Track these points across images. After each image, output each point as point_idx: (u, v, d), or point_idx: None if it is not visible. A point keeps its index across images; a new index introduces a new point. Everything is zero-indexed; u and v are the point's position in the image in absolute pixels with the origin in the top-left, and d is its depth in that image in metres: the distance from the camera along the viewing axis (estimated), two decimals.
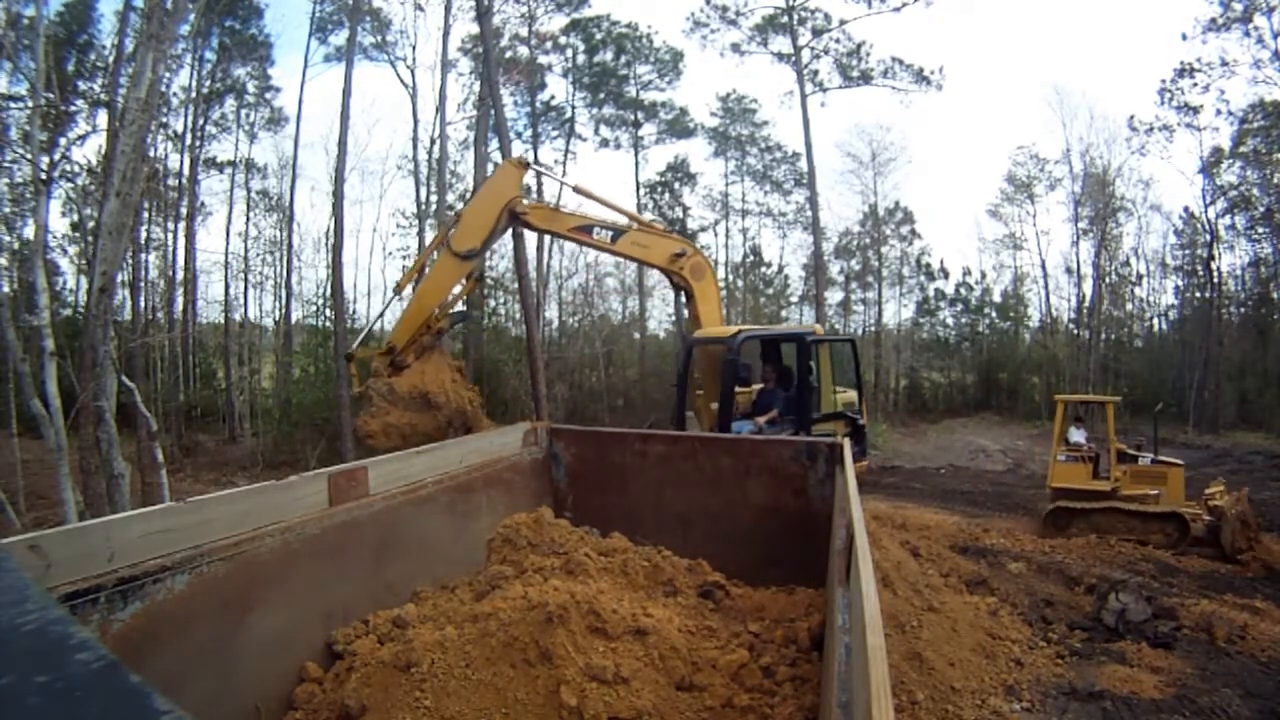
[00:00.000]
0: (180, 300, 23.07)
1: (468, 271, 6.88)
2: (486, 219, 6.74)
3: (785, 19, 24.23)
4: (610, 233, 7.18)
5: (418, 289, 6.86)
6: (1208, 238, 23.07)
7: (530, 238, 21.40)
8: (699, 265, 7.41)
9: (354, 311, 23.40)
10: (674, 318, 27.11)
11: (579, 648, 1.95)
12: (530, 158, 6.80)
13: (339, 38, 22.79)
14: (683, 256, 7.23)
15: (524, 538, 3.13)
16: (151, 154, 15.78)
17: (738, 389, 7.88)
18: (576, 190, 7.49)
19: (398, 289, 7.34)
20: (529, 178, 7.39)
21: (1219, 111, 22.07)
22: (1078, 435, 10.20)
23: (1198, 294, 24.01)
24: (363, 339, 7.95)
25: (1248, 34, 20.76)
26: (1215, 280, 23.11)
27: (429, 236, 20.05)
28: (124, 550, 1.85)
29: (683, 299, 7.65)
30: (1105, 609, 6.19)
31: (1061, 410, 10.40)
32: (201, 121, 23.03)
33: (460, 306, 8.02)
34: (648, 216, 27.54)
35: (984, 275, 27.77)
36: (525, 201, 7.02)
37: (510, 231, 16.93)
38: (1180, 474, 9.25)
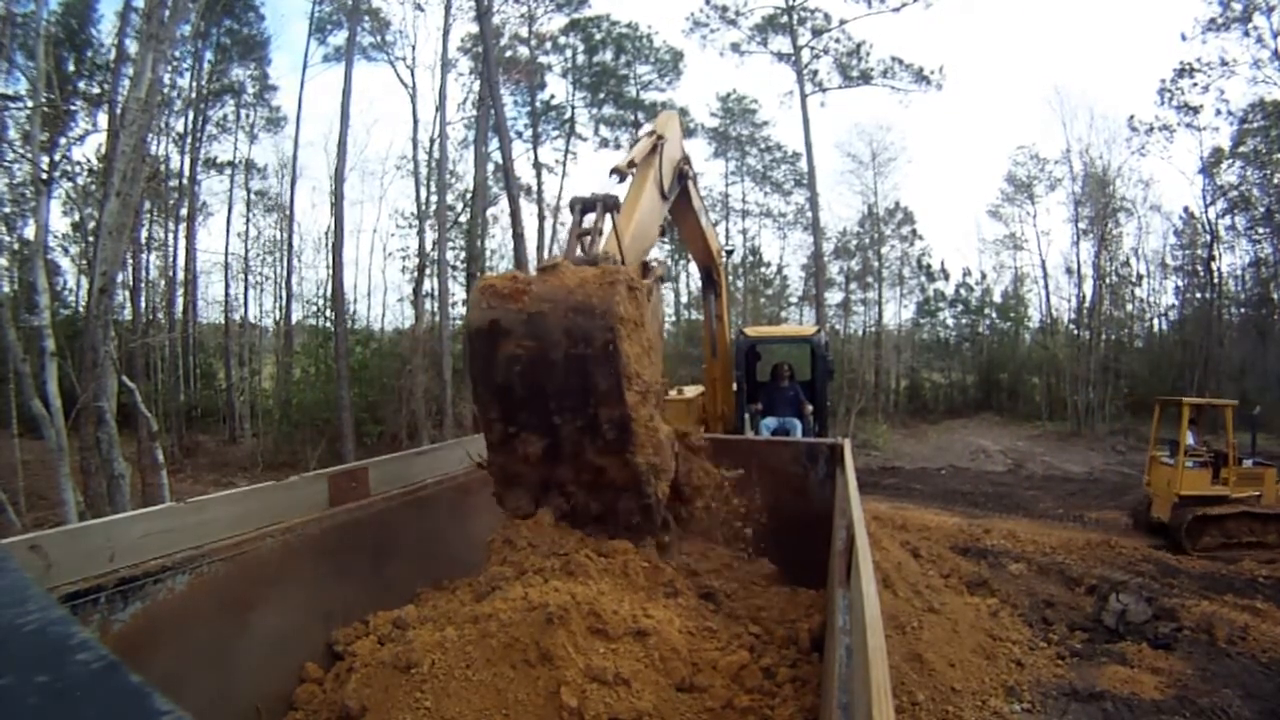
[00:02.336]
0: (180, 300, 23.07)
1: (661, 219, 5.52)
2: (670, 169, 5.29)
3: (785, 19, 24.24)
4: (704, 214, 6.52)
5: (635, 210, 4.82)
6: (1208, 238, 23.08)
7: (531, 238, 21.42)
8: (720, 268, 7.54)
9: (354, 311, 23.42)
10: (673, 318, 27.13)
11: (579, 649, 1.95)
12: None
13: (338, 38, 22.81)
14: (723, 257, 7.22)
15: (524, 538, 3.13)
16: (152, 154, 15.79)
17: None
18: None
19: (625, 170, 5.06)
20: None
21: (1219, 111, 22.11)
22: (1191, 439, 9.70)
23: (1198, 294, 24.02)
24: None
25: (1247, 34, 20.78)
26: (1215, 280, 23.12)
27: (429, 237, 20.07)
28: (124, 550, 1.85)
29: (707, 296, 7.67)
30: (1106, 610, 6.19)
31: (1159, 412, 10.18)
32: (201, 121, 23.03)
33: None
34: None
35: (984, 275, 27.82)
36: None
37: (511, 232, 16.93)
38: (1274, 474, 9.20)
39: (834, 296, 27.13)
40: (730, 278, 28.34)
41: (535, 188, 25.60)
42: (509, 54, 24.13)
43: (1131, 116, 23.37)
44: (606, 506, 2.24)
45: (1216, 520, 8.94)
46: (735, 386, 7.45)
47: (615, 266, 2.41)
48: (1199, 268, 23.70)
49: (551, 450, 2.24)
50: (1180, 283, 25.07)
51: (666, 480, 2.35)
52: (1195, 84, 22.07)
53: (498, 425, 2.41)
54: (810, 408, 7.19)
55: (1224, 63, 21.30)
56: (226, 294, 24.19)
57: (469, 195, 22.02)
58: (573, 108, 26.97)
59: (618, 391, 2.16)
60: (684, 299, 27.62)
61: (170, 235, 22.44)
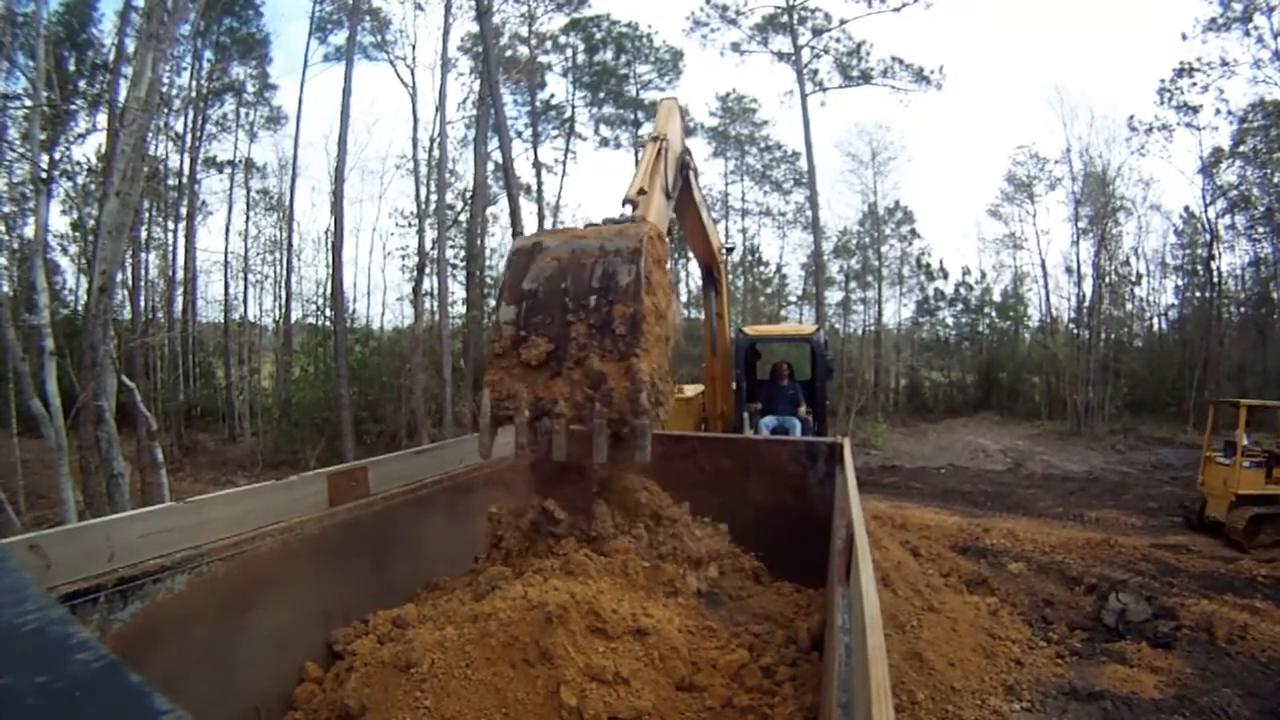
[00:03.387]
0: (180, 300, 23.06)
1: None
2: (673, 164, 5.40)
3: (785, 18, 24.23)
4: (706, 208, 6.64)
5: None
6: (1208, 237, 23.08)
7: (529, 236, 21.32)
8: (721, 265, 7.50)
9: (354, 311, 23.42)
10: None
11: (579, 648, 1.95)
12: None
13: (338, 37, 22.80)
14: (724, 254, 7.25)
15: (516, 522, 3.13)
16: (151, 153, 15.78)
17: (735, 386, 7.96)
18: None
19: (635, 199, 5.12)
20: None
21: (1219, 111, 22.10)
22: (1247, 439, 9.89)
23: (1198, 294, 24.02)
24: None
25: (1248, 34, 20.77)
26: (1215, 280, 23.11)
27: (429, 236, 20.06)
28: (124, 550, 1.85)
29: (709, 294, 7.66)
30: (1105, 609, 6.19)
31: (1214, 414, 10.32)
32: (201, 121, 23.03)
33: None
34: None
35: (984, 275, 27.82)
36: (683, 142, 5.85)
37: (511, 231, 16.92)
38: None
39: (834, 296, 27.16)
40: (730, 277, 28.43)
41: (535, 187, 25.61)
42: (509, 53, 24.11)
43: (1131, 116, 23.40)
44: (594, 428, 2.12)
45: (1272, 519, 9.11)
46: (734, 385, 7.46)
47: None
48: (1199, 267, 23.70)
49: (554, 358, 2.21)
50: (1180, 282, 25.11)
51: (664, 414, 2.31)
52: (1195, 84, 22.09)
53: (509, 329, 2.40)
54: (807, 407, 7.21)
55: (1224, 63, 21.31)
56: (226, 293, 24.21)
57: (469, 194, 22.02)
58: (573, 107, 26.98)
59: (636, 288, 2.21)
60: (684, 298, 27.58)
61: (170, 234, 22.45)
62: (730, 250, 7.28)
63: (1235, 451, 9.57)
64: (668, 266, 2.80)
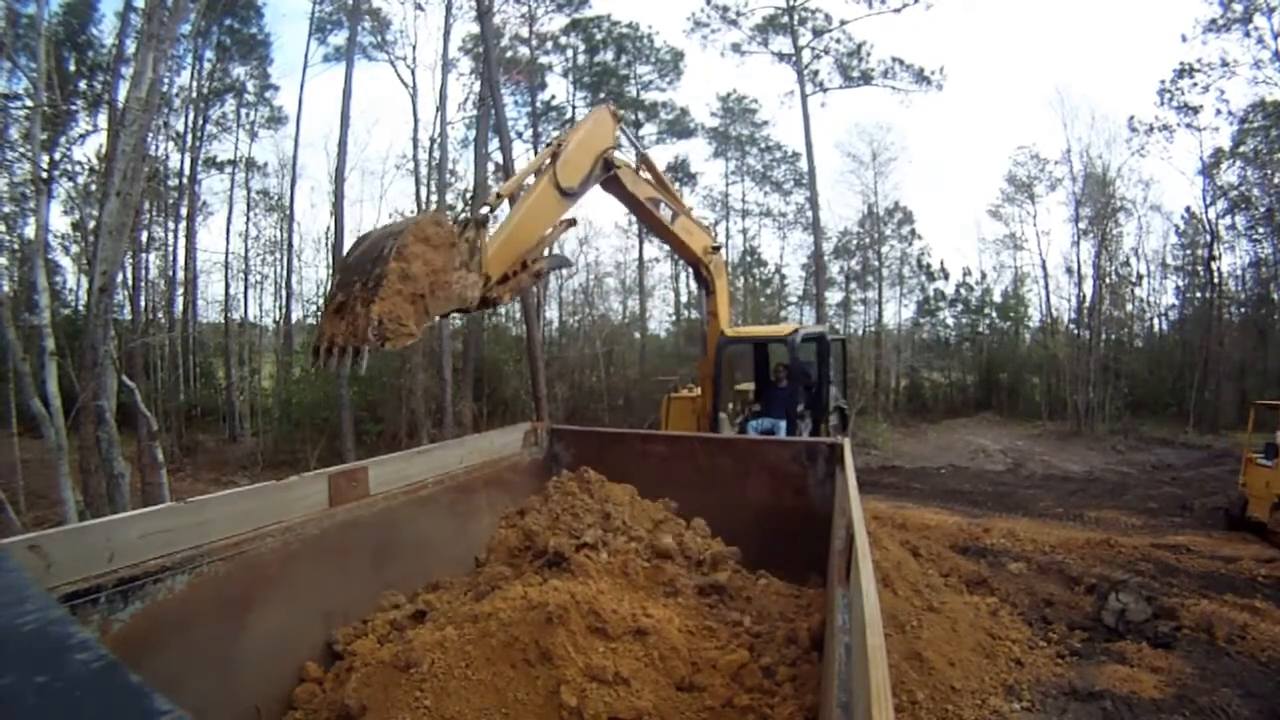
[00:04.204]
0: (180, 300, 23.08)
1: (564, 212, 5.82)
2: (585, 162, 5.87)
3: (785, 19, 24.23)
4: (670, 212, 6.82)
5: (513, 216, 5.47)
6: (1208, 238, 23.08)
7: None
8: (719, 263, 7.42)
9: None
10: (674, 317, 27.15)
11: (579, 648, 1.95)
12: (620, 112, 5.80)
13: (338, 37, 22.82)
14: (716, 251, 7.18)
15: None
16: (152, 153, 15.78)
17: (741, 386, 7.99)
18: (643, 161, 6.80)
19: (493, 201, 5.69)
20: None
21: (1219, 111, 22.09)
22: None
23: (1198, 294, 24.01)
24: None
25: (1248, 34, 20.77)
26: (1215, 280, 23.11)
27: None
28: (124, 550, 1.85)
29: (699, 294, 7.70)
30: (1105, 609, 6.18)
31: (1255, 416, 10.37)
32: (201, 121, 23.04)
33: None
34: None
35: (984, 275, 27.81)
36: (619, 154, 6.23)
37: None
38: None
39: (834, 296, 27.15)
40: (730, 277, 28.43)
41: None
42: (509, 54, 24.13)
43: (1131, 117, 23.40)
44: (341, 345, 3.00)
45: None
46: (714, 386, 7.48)
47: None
48: (1199, 268, 23.70)
49: (345, 306, 3.04)
50: (1180, 282, 25.10)
51: (388, 345, 3.11)
52: (1195, 84, 22.08)
53: (331, 289, 3.46)
54: (803, 409, 7.17)
55: (1224, 63, 21.31)
56: (226, 293, 24.23)
57: (469, 195, 22.02)
58: (573, 108, 26.96)
59: (387, 256, 3.08)
60: (683, 298, 27.62)
61: (170, 235, 22.46)
62: (716, 249, 7.21)
63: (1277, 454, 9.59)
64: (446, 244, 3.60)
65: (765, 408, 7.30)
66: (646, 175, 6.88)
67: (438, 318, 3.81)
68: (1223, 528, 9.83)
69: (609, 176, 6.03)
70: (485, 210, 4.74)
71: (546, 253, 5.69)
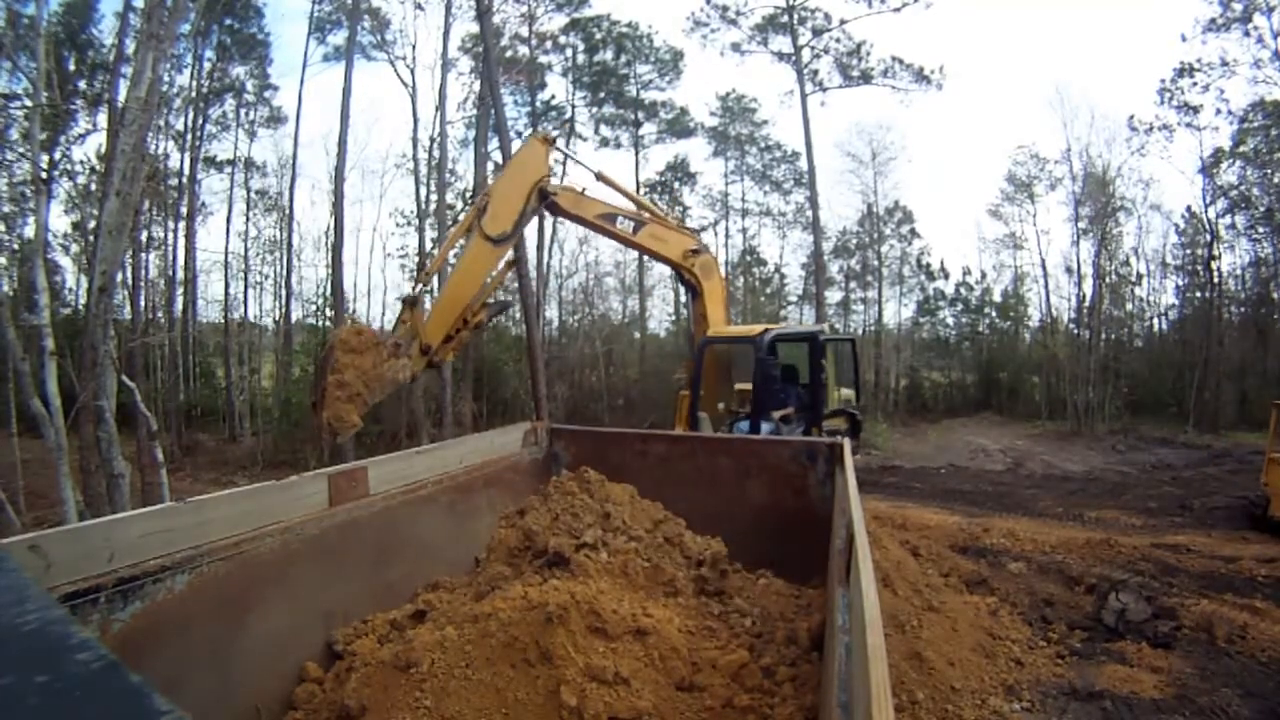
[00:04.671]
0: (180, 300, 23.07)
1: (502, 256, 6.25)
2: (516, 200, 6.21)
3: (785, 18, 24.23)
4: (632, 223, 6.95)
5: (450, 278, 6.12)
6: (1208, 237, 23.07)
7: (530, 237, 21.46)
8: (707, 264, 7.42)
9: (354, 311, 23.42)
10: (674, 316, 27.13)
11: (579, 648, 1.95)
12: (554, 135, 6.77)
13: (338, 37, 22.81)
14: (696, 254, 7.18)
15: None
16: (151, 153, 15.77)
17: (739, 387, 7.95)
18: (599, 178, 7.15)
19: (423, 278, 6.57)
20: (554, 158, 7.08)
21: (1219, 111, 22.08)
22: None
23: (1198, 294, 24.01)
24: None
25: (1248, 34, 20.76)
26: (1215, 280, 23.11)
27: (429, 236, 20.08)
28: (124, 550, 1.85)
29: (687, 297, 7.72)
30: (1105, 609, 6.19)
31: (1276, 416, 10.44)
32: (201, 121, 23.04)
33: (498, 295, 7.24)
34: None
35: (984, 275, 27.81)
36: (555, 182, 6.52)
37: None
38: None
39: (834, 296, 27.16)
40: (727, 276, 28.47)
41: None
42: (509, 54, 24.12)
43: (1131, 116, 23.39)
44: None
45: None
46: (691, 387, 7.46)
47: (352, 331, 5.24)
48: (1199, 267, 23.69)
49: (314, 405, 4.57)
50: (1180, 282, 25.09)
51: (342, 436, 4.72)
52: (1195, 84, 22.08)
53: (311, 391, 4.99)
54: (790, 409, 7.11)
55: (1224, 63, 21.31)
56: (226, 293, 24.23)
57: (469, 194, 22.02)
58: (573, 107, 26.98)
59: (325, 372, 4.57)
60: (683, 297, 27.57)
61: (170, 234, 22.46)
62: (696, 252, 7.18)
63: None
64: (369, 346, 5.03)
65: (753, 409, 7.25)
66: (605, 189, 7.29)
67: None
68: (1245, 527, 9.81)
69: (549, 204, 6.46)
70: (418, 288, 5.85)
71: (493, 299, 6.40)
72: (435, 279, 7.17)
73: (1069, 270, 24.91)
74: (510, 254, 6.15)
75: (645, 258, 27.43)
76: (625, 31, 26.50)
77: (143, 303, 20.55)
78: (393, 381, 5.23)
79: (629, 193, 7.37)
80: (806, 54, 24.32)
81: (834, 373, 7.75)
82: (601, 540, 2.89)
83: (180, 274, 22.74)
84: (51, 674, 0.61)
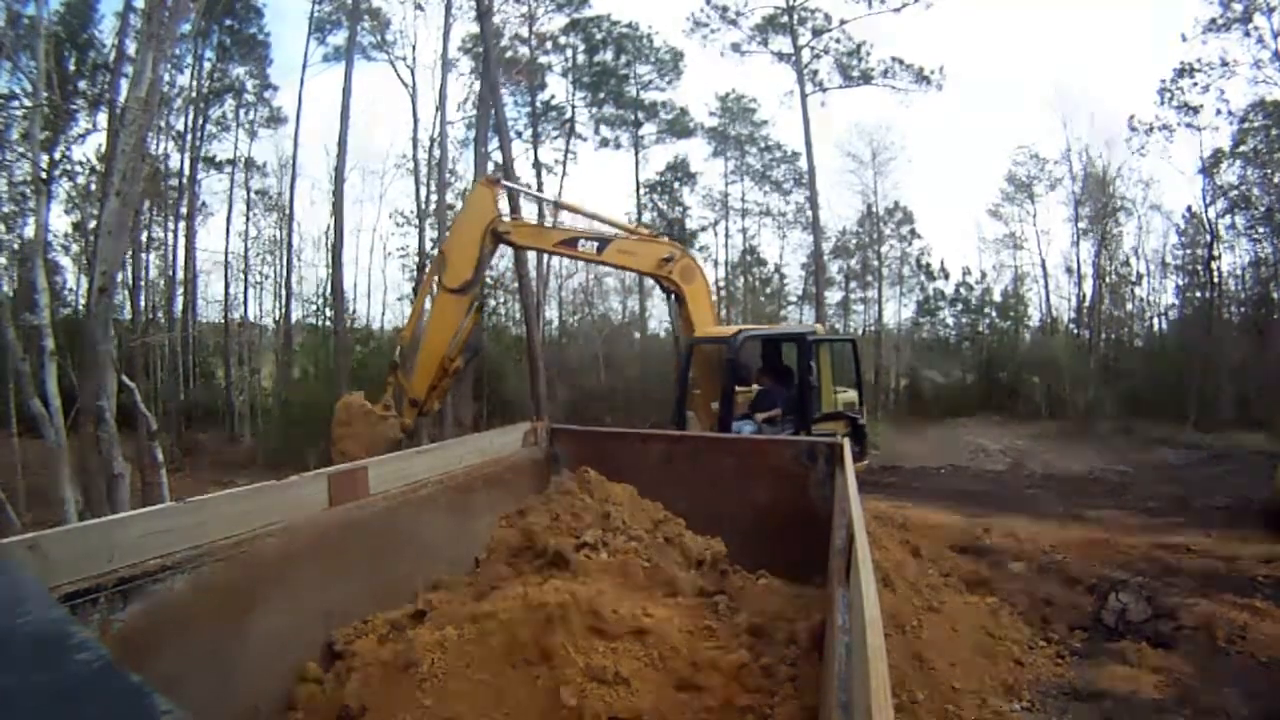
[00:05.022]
0: (180, 300, 23.08)
1: (469, 304, 6.64)
2: (472, 248, 6.59)
3: (785, 19, 24.21)
4: (595, 244, 7.14)
5: (424, 335, 6.69)
6: (1208, 237, 23.07)
7: None
8: (688, 268, 7.39)
9: (354, 311, 23.44)
10: (673, 317, 27.11)
11: (579, 648, 1.95)
12: (500, 174, 7.58)
13: (338, 37, 22.80)
14: (670, 261, 7.16)
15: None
16: (152, 153, 15.78)
17: (739, 388, 7.93)
18: (558, 205, 7.91)
19: (402, 340, 7.32)
20: (511, 198, 8.08)
21: (1219, 111, 22.06)
22: None
23: (1198, 294, 24.00)
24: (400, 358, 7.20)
25: (1248, 34, 20.73)
26: (1215, 280, 23.10)
27: (429, 236, 20.09)
28: (124, 550, 1.85)
29: (673, 302, 7.74)
30: (1105, 609, 6.19)
31: None
32: (201, 121, 23.04)
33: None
34: (647, 216, 27.60)
35: (984, 275, 27.75)
36: (506, 219, 6.96)
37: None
38: None
39: (834, 296, 27.15)
40: (729, 277, 28.49)
41: (535, 187, 25.60)
42: (509, 54, 24.12)
43: (1131, 116, 23.36)
44: None
45: None
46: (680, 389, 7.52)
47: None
48: (1199, 267, 23.69)
49: None
50: (1180, 282, 25.08)
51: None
52: (1195, 84, 22.06)
53: None
54: (777, 411, 7.06)
55: (1224, 63, 21.29)
56: (226, 293, 24.22)
57: (469, 194, 22.00)
58: (573, 107, 26.97)
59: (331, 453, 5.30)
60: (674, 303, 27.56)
61: (170, 234, 22.46)
62: (669, 260, 7.12)
63: None
64: (360, 415, 5.99)
65: (721, 409, 7.29)
66: (565, 217, 7.95)
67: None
68: (1260, 527, 9.82)
69: (506, 242, 6.96)
70: (396, 353, 6.79)
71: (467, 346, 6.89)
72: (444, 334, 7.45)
73: (1069, 270, 24.93)
74: (476, 299, 6.73)
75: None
76: (625, 32, 26.50)
77: (143, 303, 20.58)
78: (389, 440, 5.78)
79: (592, 212, 7.57)
80: (806, 54, 24.32)
81: (829, 375, 7.51)
82: (601, 540, 2.90)
83: (180, 274, 22.76)
84: (51, 674, 0.61)
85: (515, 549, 3.08)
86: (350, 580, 2.55)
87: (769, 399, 7.20)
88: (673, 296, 7.46)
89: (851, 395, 7.77)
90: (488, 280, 21.88)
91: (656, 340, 27.12)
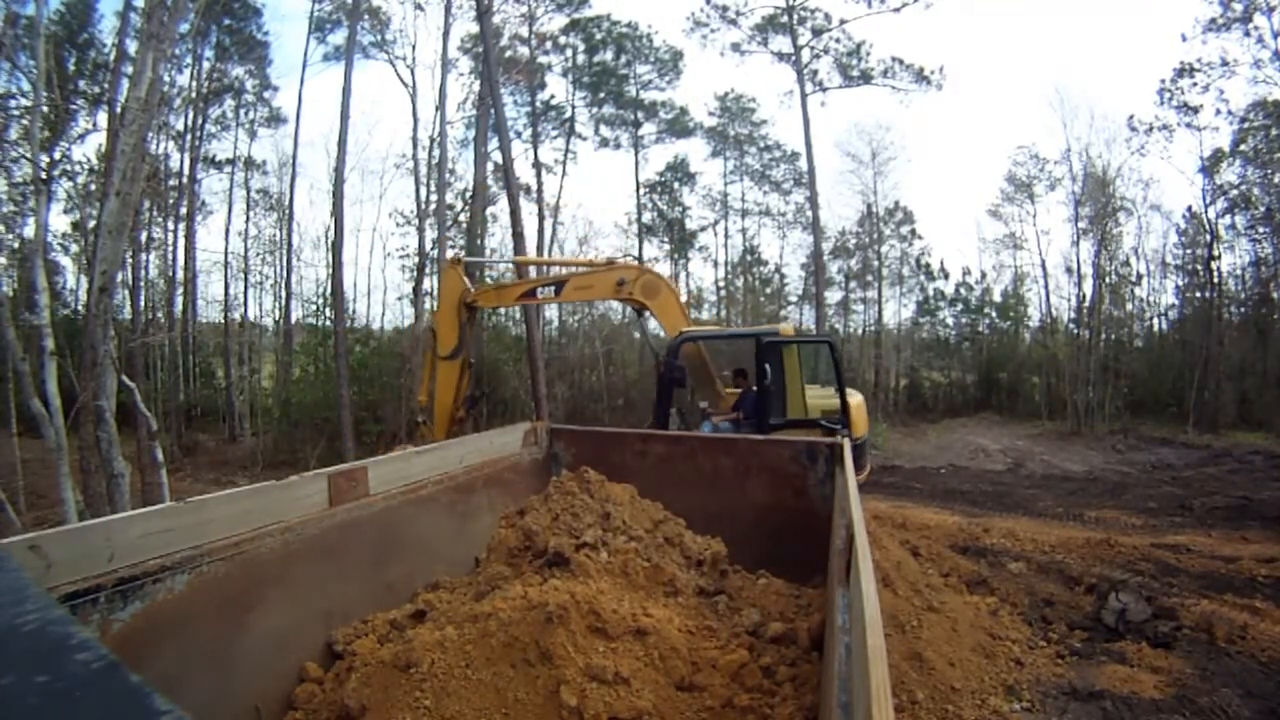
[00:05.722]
0: (180, 300, 23.08)
1: (461, 366, 7.95)
2: (451, 320, 7.84)
3: (785, 19, 24.22)
4: (552, 288, 8.08)
5: (435, 395, 8.04)
6: (1208, 237, 23.07)
7: (530, 238, 21.52)
8: (648, 284, 7.65)
9: (354, 311, 23.43)
10: None
11: (579, 648, 1.95)
12: (462, 254, 9.10)
13: (338, 36, 22.82)
14: (625, 285, 7.53)
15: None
16: (151, 153, 15.77)
17: (728, 390, 7.97)
18: (515, 262, 9.58)
19: (420, 402, 8.75)
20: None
21: (1219, 111, 22.07)
22: None
23: (1198, 294, 24.00)
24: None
25: (1248, 34, 20.75)
26: (1215, 280, 23.10)
27: (429, 236, 20.10)
28: (124, 550, 1.84)
29: (644, 318, 8.24)
30: (1105, 609, 6.18)
31: None
32: (200, 120, 23.04)
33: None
34: (647, 216, 27.60)
35: (984, 275, 27.80)
36: (472, 290, 8.07)
37: (511, 231, 17.13)
38: None
39: (834, 296, 27.16)
40: (729, 277, 28.47)
41: (535, 187, 25.62)
42: (509, 54, 24.12)
43: (1131, 116, 23.37)
44: None
45: None
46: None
47: None
48: (1199, 267, 23.69)
49: None
50: (1180, 282, 25.08)
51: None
52: (1195, 84, 22.07)
53: None
54: (738, 414, 7.13)
55: (1224, 63, 21.30)
56: (226, 293, 24.25)
57: (469, 194, 22.03)
58: (573, 107, 26.98)
59: None
60: (683, 297, 27.56)
61: (170, 234, 22.47)
62: (623, 283, 7.60)
63: None
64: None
65: (656, 408, 7.41)
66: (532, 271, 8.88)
67: None
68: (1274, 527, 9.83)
69: (478, 308, 8.20)
70: (419, 414, 8.31)
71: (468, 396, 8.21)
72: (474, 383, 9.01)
73: (1069, 270, 24.92)
74: (466, 358, 8.12)
75: (644, 256, 27.53)
76: (625, 32, 26.51)
77: (143, 303, 20.58)
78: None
79: (547, 259, 9.10)
80: (806, 54, 24.33)
81: (796, 377, 7.16)
82: (601, 540, 2.89)
83: (180, 274, 22.76)
84: (51, 674, 0.61)
85: (515, 549, 3.08)
86: (350, 580, 2.55)
87: (746, 400, 7.23)
88: (641, 313, 7.87)
89: (829, 401, 7.25)
90: (488, 279, 21.96)
91: (656, 340, 27.11)
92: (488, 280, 16.91)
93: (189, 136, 22.50)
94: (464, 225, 21.58)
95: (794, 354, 7.24)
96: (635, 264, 8.17)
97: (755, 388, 7.11)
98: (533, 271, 10.01)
